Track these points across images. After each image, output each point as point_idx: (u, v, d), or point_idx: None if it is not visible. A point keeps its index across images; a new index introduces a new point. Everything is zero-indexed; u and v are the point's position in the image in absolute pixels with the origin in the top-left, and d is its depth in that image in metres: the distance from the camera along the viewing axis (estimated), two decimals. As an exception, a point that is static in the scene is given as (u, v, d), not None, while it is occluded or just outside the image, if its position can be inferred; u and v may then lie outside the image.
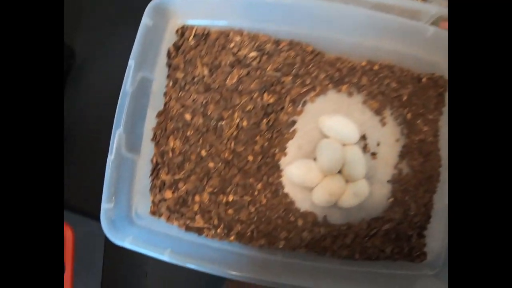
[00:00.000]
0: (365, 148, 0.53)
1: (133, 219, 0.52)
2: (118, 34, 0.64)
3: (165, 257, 0.46)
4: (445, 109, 0.56)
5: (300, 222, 0.51)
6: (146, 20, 0.50)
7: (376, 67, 0.54)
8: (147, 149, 0.53)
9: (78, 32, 0.73)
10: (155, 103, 0.53)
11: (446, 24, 0.52)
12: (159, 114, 0.52)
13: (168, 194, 0.51)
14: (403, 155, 0.54)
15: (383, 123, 0.54)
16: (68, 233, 0.62)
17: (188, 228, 0.51)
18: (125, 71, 0.49)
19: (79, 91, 0.81)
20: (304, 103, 0.54)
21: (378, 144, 0.54)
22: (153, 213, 0.52)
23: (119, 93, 0.49)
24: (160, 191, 0.52)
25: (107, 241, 0.48)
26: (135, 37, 0.50)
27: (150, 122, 0.53)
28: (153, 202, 0.52)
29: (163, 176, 0.52)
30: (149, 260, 0.49)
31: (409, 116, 0.54)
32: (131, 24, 0.51)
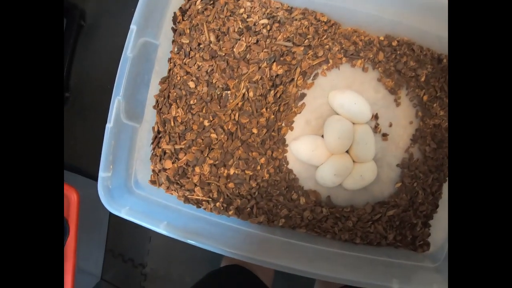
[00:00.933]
0: (376, 128, 0.52)
1: (132, 188, 0.52)
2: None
3: (161, 229, 0.46)
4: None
5: (302, 201, 0.50)
6: None
7: (394, 43, 0.52)
8: (150, 116, 0.52)
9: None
10: (160, 69, 0.53)
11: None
12: (163, 81, 0.51)
13: (168, 164, 0.50)
14: (415, 139, 0.52)
15: (397, 103, 0.52)
16: (73, 196, 0.62)
17: (187, 200, 0.51)
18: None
19: (88, 51, 0.81)
20: (315, 76, 0.52)
21: (390, 125, 0.52)
22: (153, 182, 0.52)
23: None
24: (160, 160, 0.51)
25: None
26: None
27: (154, 88, 0.52)
28: (153, 171, 0.52)
29: (164, 145, 0.51)
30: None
31: (425, 98, 0.52)
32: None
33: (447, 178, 0.53)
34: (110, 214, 0.59)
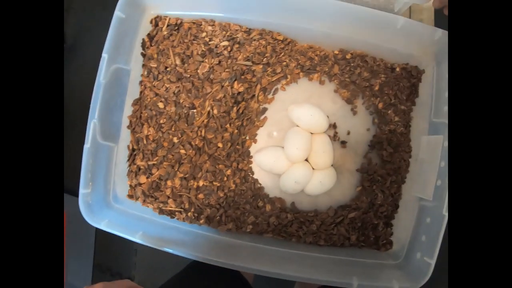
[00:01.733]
0: (335, 137, 0.57)
1: (111, 202, 0.57)
2: (108, 17, 0.66)
3: (137, 239, 0.51)
4: (418, 100, 0.58)
5: (268, 208, 0.54)
6: (118, 13, 0.54)
7: (348, 56, 0.57)
8: (126, 135, 0.57)
9: (70, 14, 0.76)
10: (133, 92, 0.57)
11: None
12: (135, 103, 0.56)
13: (143, 179, 0.55)
14: (373, 144, 0.57)
15: (354, 112, 0.57)
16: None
17: (161, 212, 0.56)
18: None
19: (69, 71, 0.85)
20: (275, 91, 0.57)
21: (348, 133, 0.57)
22: (130, 196, 0.57)
23: None
24: (136, 176, 0.56)
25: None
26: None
27: (128, 111, 0.57)
28: (130, 186, 0.57)
29: (138, 161, 0.56)
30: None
31: (380, 105, 0.56)
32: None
33: (405, 180, 0.58)
34: (96, 229, 0.64)
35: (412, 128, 0.59)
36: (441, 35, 0.53)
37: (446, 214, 0.46)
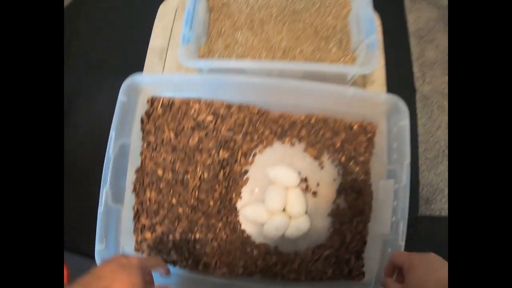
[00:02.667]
0: (307, 188, 0.69)
1: None
2: (103, 80, 0.76)
3: None
4: (375, 151, 0.70)
5: (255, 252, 0.66)
6: (121, 97, 0.67)
7: (313, 121, 0.69)
8: (129, 199, 0.68)
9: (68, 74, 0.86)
10: (134, 162, 0.70)
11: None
12: (137, 171, 0.68)
13: (148, 235, 0.67)
14: (339, 192, 0.69)
15: (321, 166, 0.70)
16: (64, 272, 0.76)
17: (165, 261, 0.66)
18: (108, 117, 0.65)
19: (66, 132, 0.96)
20: (254, 155, 0.69)
21: (318, 185, 0.69)
22: (137, 250, 0.68)
23: (103, 137, 0.65)
24: (141, 232, 0.68)
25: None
26: (118, 86, 0.67)
27: (130, 177, 0.69)
28: (136, 241, 0.68)
29: (143, 220, 0.67)
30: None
31: (343, 159, 0.69)
32: (117, 73, 0.66)
33: (369, 219, 0.69)
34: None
35: (372, 175, 0.71)
36: (384, 98, 0.66)
37: (403, 244, 0.59)
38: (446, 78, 1.27)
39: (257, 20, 0.78)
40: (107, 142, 0.65)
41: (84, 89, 0.96)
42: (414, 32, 1.30)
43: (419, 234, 1.11)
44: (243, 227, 0.70)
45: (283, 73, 0.70)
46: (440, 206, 1.19)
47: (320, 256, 0.69)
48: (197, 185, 0.69)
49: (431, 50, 1.31)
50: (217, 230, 0.69)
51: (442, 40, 1.33)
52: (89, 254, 0.64)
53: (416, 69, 1.24)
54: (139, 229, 0.70)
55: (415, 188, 1.15)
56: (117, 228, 0.69)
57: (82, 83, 0.96)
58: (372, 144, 0.72)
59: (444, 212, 1.18)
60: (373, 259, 0.69)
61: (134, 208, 0.70)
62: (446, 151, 1.21)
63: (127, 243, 0.70)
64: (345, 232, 0.70)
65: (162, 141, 0.70)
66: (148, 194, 0.70)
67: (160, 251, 0.69)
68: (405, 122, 0.64)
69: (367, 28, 0.71)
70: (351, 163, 0.71)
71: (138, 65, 0.82)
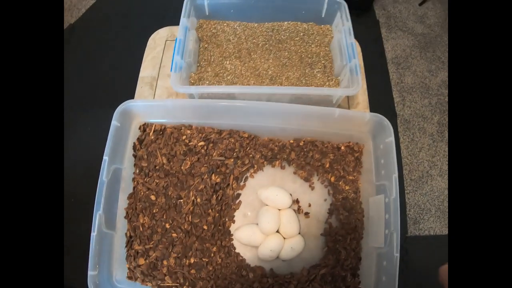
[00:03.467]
0: (299, 209, 0.70)
1: (114, 284, 0.66)
2: (94, 111, 0.78)
3: None
4: (362, 169, 0.72)
5: (251, 275, 0.66)
6: (114, 122, 0.66)
7: (301, 143, 0.71)
8: (121, 225, 0.68)
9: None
10: (126, 187, 0.69)
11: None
12: (130, 196, 0.68)
13: (141, 261, 0.66)
14: (331, 211, 0.70)
15: (312, 187, 0.71)
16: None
17: None
18: (99, 147, 0.66)
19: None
20: (246, 179, 0.70)
21: (309, 205, 0.70)
22: (130, 278, 0.67)
23: (91, 169, 0.63)
24: (134, 259, 0.67)
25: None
26: (109, 116, 0.67)
27: (122, 203, 0.68)
28: (129, 268, 0.68)
29: (136, 246, 0.67)
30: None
31: (332, 179, 0.70)
32: (107, 103, 0.66)
33: (362, 235, 0.70)
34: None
35: (361, 193, 0.73)
36: (369, 117, 0.69)
37: (398, 255, 0.60)
38: (425, 101, 1.32)
39: (244, 50, 0.81)
40: (95, 172, 0.65)
41: (77, 118, 0.97)
42: (392, 59, 1.36)
43: (410, 254, 1.12)
44: (237, 250, 0.70)
45: (272, 98, 0.72)
46: (428, 225, 1.21)
47: (316, 276, 0.69)
48: (190, 209, 0.69)
49: (409, 76, 1.36)
50: (212, 254, 0.68)
51: (418, 66, 1.39)
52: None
53: (396, 94, 1.29)
54: (132, 255, 0.69)
55: (403, 210, 1.17)
56: (109, 255, 0.68)
57: (74, 112, 0.97)
58: (360, 163, 0.74)
59: (433, 231, 1.20)
60: (369, 275, 0.69)
61: (126, 234, 0.69)
62: (430, 171, 1.25)
63: (120, 271, 0.69)
64: (339, 250, 0.70)
65: (155, 166, 0.71)
66: (141, 219, 0.69)
67: (154, 277, 0.68)
68: (391, 138, 0.67)
69: (349, 54, 0.75)
70: (340, 183, 0.73)
71: (128, 96, 0.83)
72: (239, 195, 0.72)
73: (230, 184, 0.71)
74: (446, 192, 1.24)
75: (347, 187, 0.73)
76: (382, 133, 0.69)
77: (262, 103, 0.68)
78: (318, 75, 0.78)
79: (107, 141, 0.67)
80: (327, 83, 0.77)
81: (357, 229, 0.71)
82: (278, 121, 0.71)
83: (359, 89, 0.71)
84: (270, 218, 0.68)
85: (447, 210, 1.24)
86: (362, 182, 0.74)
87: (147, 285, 0.68)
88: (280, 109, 0.68)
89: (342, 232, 0.71)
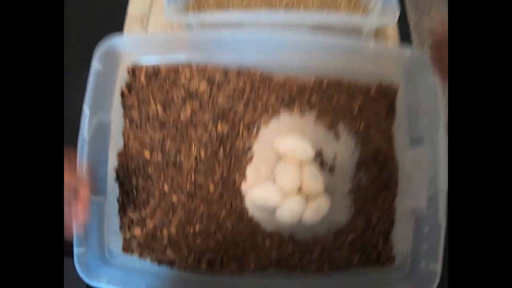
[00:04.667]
0: (322, 164, 0.57)
1: (107, 259, 0.56)
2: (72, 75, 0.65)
3: None
4: (396, 117, 0.59)
5: (267, 242, 0.55)
6: (96, 65, 0.54)
7: (324, 84, 0.57)
8: (113, 189, 0.56)
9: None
10: (116, 144, 0.57)
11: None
12: (120, 155, 0.56)
13: (137, 231, 0.55)
14: (359, 166, 0.59)
15: (337, 137, 0.58)
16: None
17: (160, 262, 0.55)
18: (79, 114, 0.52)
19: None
20: (258, 128, 0.58)
21: (334, 159, 0.59)
22: (125, 250, 0.56)
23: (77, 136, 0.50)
24: (129, 228, 0.56)
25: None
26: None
27: (112, 163, 0.56)
28: (124, 239, 0.57)
29: (130, 214, 0.55)
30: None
31: (361, 127, 0.58)
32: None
33: (396, 194, 0.58)
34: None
35: (395, 144, 0.60)
36: (410, 53, 0.55)
37: (444, 221, 0.49)
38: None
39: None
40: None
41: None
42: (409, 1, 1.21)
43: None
44: (250, 213, 0.57)
45: (288, 28, 0.58)
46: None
47: (343, 242, 0.58)
48: (193, 166, 0.56)
49: (427, 20, 1.22)
50: (221, 220, 0.56)
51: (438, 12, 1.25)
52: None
53: (414, 37, 1.15)
54: (126, 224, 0.57)
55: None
56: (99, 226, 0.56)
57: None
58: (394, 109, 0.61)
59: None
60: (404, 241, 0.57)
61: (119, 200, 0.57)
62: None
63: (114, 243, 0.57)
64: (369, 212, 0.58)
65: (148, 116, 0.57)
66: (134, 181, 0.56)
67: (153, 250, 0.56)
68: (434, 79, 0.53)
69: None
70: (371, 132, 0.59)
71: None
72: (250, 147, 0.59)
73: (240, 134, 0.58)
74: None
75: (378, 137, 0.59)
76: (424, 74, 0.55)
77: (277, 33, 0.54)
78: (343, 3, 0.63)
79: (87, 88, 0.53)
80: (354, 12, 0.62)
81: (390, 187, 0.59)
82: (296, 55, 0.56)
83: (396, 18, 0.57)
84: (290, 174, 0.55)
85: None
86: (395, 132, 0.61)
87: (146, 258, 0.57)
88: (299, 40, 0.54)
89: (373, 191, 0.59)
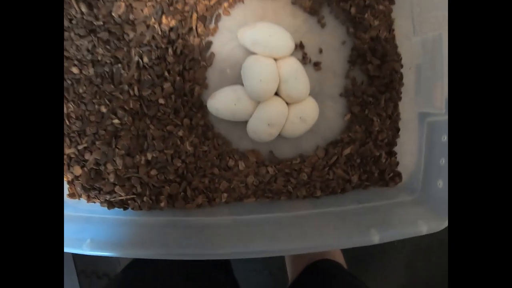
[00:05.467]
0: (304, 59, 0.44)
1: None
2: None
3: (84, 250, 0.38)
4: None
5: (241, 166, 0.43)
6: None
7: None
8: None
9: None
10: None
11: None
12: (41, 74, 0.40)
13: (77, 170, 0.43)
14: (353, 59, 0.45)
15: (322, 24, 0.45)
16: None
17: (111, 205, 0.44)
18: None
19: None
20: (218, 18, 0.44)
21: (320, 51, 0.45)
22: (72, 195, 0.45)
23: None
24: (69, 168, 0.42)
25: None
26: None
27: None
28: (68, 182, 0.45)
29: (67, 150, 0.42)
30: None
31: (353, 10, 0.45)
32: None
33: (401, 96, 0.45)
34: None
35: (396, 32, 0.46)
36: None
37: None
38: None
39: None
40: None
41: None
42: None
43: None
44: (217, 129, 0.44)
45: None
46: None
47: (338, 158, 0.45)
48: (135, 77, 0.42)
49: None
50: (178, 141, 0.42)
51: None
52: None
53: None
54: (65, 164, 0.44)
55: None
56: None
57: None
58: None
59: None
60: (411, 153, 0.46)
61: (49, 134, 0.43)
62: None
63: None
64: (369, 118, 0.45)
65: (70, 20, 0.42)
66: (64, 108, 0.43)
67: (99, 191, 0.43)
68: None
69: None
70: (366, 15, 0.44)
71: None
72: (209, 43, 0.44)
73: (194, 28, 0.43)
74: None
75: (376, 22, 0.45)
76: None
77: None
78: None
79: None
80: None
81: (393, 86, 0.45)
82: None
83: None
84: (264, 73, 0.40)
85: None
86: (396, 16, 0.46)
87: (94, 202, 0.44)
88: None
89: (372, 91, 0.45)
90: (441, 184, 0.39)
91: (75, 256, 0.88)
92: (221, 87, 0.44)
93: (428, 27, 0.43)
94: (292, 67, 0.42)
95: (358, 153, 0.45)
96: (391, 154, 0.47)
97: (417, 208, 0.42)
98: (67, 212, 0.44)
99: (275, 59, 0.42)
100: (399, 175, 0.46)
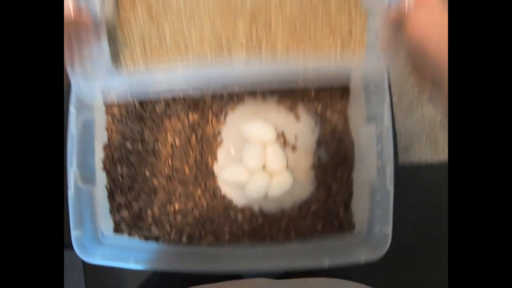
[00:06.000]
0: (284, 143, 0.62)
1: (100, 239, 0.61)
2: None
3: (130, 265, 0.55)
4: (351, 97, 0.64)
5: (239, 216, 0.60)
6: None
7: (283, 71, 0.61)
8: (101, 178, 0.61)
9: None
10: (100, 137, 0.62)
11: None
12: (105, 147, 0.61)
13: (125, 213, 0.60)
14: (319, 143, 0.64)
15: (297, 118, 0.62)
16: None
17: (146, 238, 0.60)
18: None
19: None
20: (226, 114, 0.62)
21: (296, 138, 0.63)
22: (116, 231, 0.61)
23: None
24: (118, 211, 0.61)
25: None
26: None
27: (99, 154, 0.61)
28: (114, 222, 0.61)
29: (118, 198, 0.60)
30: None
31: (319, 108, 0.62)
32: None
33: (353, 167, 0.63)
34: (84, 271, 0.66)
35: (350, 122, 0.65)
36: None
37: (392, 188, 0.54)
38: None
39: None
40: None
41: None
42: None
43: (403, 182, 1.06)
44: (223, 191, 0.63)
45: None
46: (419, 153, 1.15)
47: (307, 212, 0.63)
48: (170, 153, 0.62)
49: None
50: (197, 198, 0.62)
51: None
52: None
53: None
54: (115, 208, 0.63)
55: (394, 138, 1.10)
56: (92, 211, 0.61)
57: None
58: (348, 90, 0.66)
59: (424, 158, 1.14)
60: (362, 209, 0.63)
61: (107, 187, 0.63)
62: (420, 97, 1.16)
63: (105, 226, 0.62)
64: (330, 184, 0.64)
65: (127, 112, 0.62)
66: (119, 169, 0.62)
67: (140, 228, 0.62)
68: (381, 62, 0.58)
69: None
70: (328, 112, 0.65)
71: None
72: (220, 132, 0.64)
73: (210, 121, 0.63)
74: (437, 118, 1.16)
75: (335, 116, 0.65)
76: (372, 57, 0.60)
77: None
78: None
79: (71, 89, 0.58)
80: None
81: (347, 161, 0.64)
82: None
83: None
84: (255, 154, 0.61)
85: (437, 137, 1.18)
86: (351, 111, 0.66)
87: (134, 236, 0.63)
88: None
89: (332, 165, 0.64)
90: (378, 229, 0.56)
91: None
92: (227, 162, 0.63)
93: (369, 118, 0.62)
94: (273, 151, 0.62)
95: (322, 209, 0.63)
96: (347, 209, 0.64)
97: (361, 246, 0.58)
98: (112, 242, 0.62)
99: (264, 144, 0.62)
100: (353, 225, 0.64)
